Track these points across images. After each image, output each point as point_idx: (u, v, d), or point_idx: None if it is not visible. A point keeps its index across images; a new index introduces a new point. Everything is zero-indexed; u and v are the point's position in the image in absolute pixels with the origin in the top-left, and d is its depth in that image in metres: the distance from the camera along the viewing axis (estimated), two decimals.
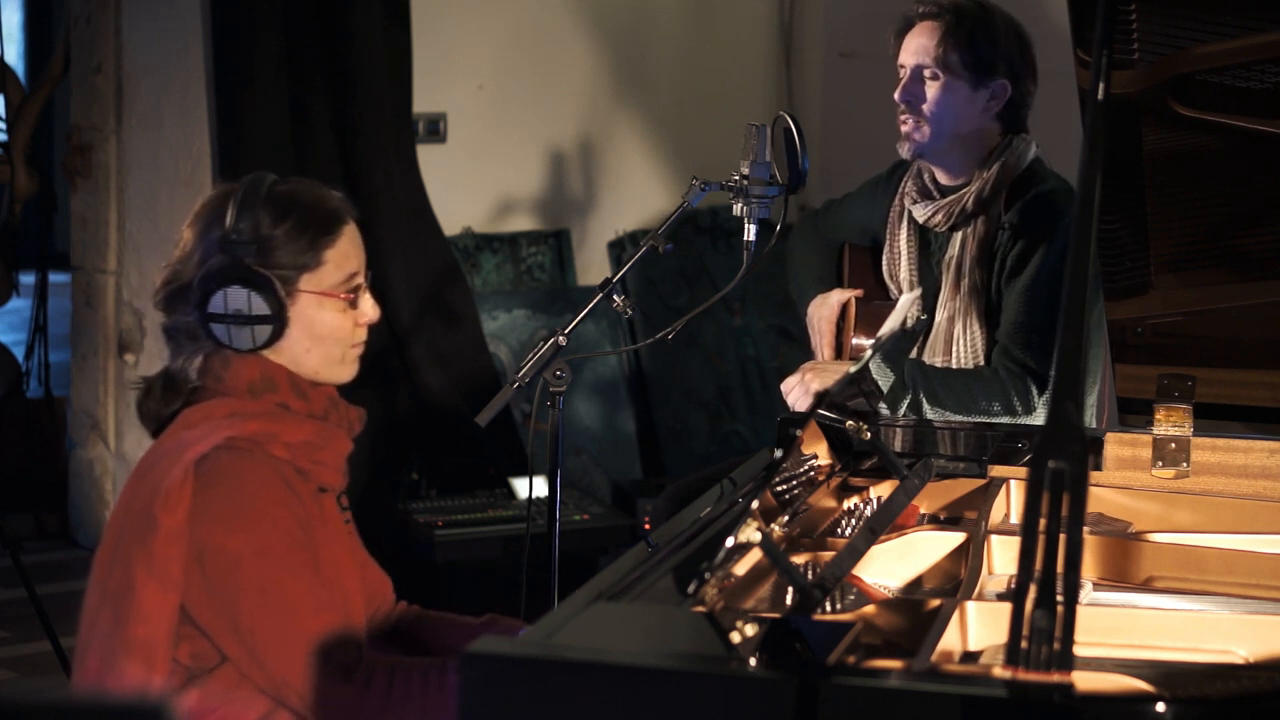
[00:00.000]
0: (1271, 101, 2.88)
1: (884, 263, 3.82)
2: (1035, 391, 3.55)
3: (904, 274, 3.76)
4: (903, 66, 3.67)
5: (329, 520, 2.64)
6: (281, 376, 2.62)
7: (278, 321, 2.60)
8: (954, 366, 3.65)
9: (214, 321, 2.59)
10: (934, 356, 3.67)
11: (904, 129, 3.66)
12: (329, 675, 2.51)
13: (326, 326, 2.65)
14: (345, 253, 2.65)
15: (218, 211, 2.62)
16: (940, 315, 3.67)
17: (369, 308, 2.69)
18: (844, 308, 3.81)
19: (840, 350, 3.80)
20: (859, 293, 3.81)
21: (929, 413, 3.53)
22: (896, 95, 3.66)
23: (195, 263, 2.63)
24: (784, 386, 3.68)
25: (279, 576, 2.51)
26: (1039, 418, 3.55)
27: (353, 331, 2.68)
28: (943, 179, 3.71)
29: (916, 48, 3.63)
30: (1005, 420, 3.56)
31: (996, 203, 3.63)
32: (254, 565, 2.50)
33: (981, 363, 3.63)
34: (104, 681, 2.51)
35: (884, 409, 3.54)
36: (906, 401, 3.52)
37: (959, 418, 3.52)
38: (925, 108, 3.62)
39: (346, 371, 2.69)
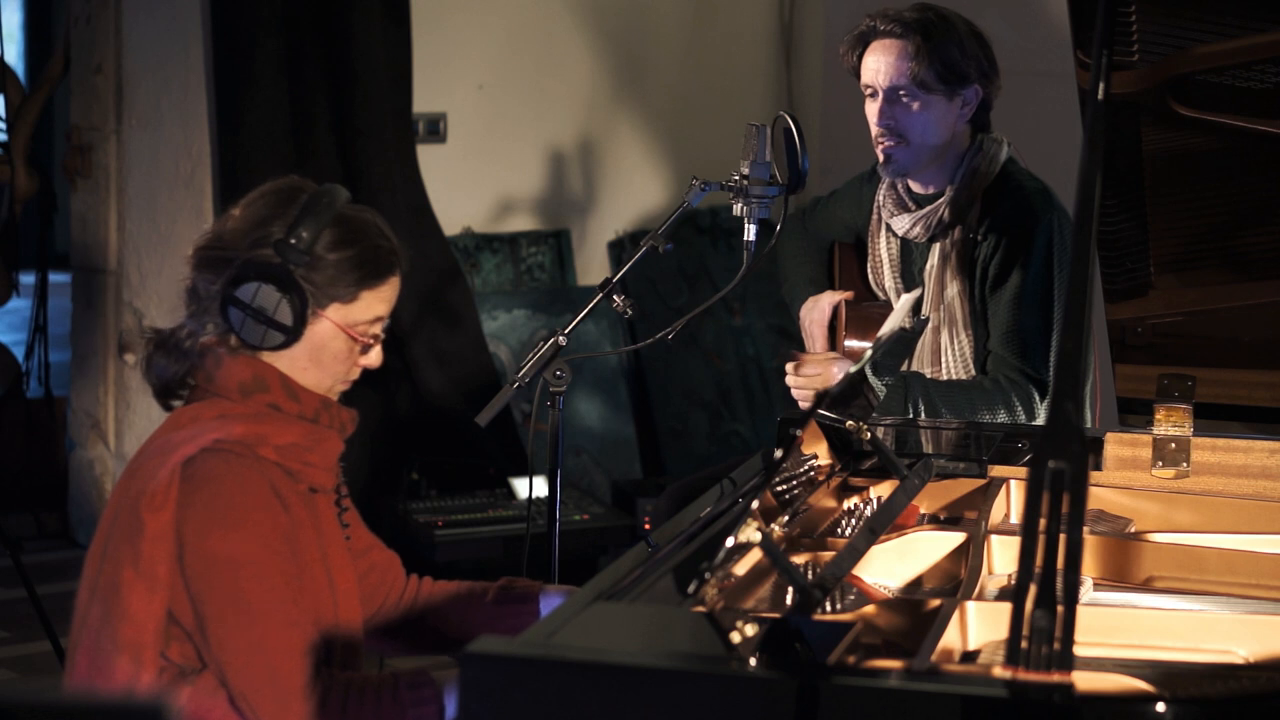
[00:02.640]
0: (1271, 101, 2.88)
1: (869, 270, 3.81)
2: (1037, 397, 3.54)
3: (888, 282, 3.76)
4: (869, 87, 3.64)
5: (321, 521, 2.64)
6: (273, 377, 2.61)
7: (292, 336, 2.59)
8: (946, 377, 3.64)
9: (234, 305, 2.58)
10: (922, 368, 3.66)
11: (884, 148, 3.62)
12: (287, 692, 2.50)
13: (330, 355, 2.64)
14: (382, 298, 2.65)
15: (285, 206, 2.61)
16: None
17: (375, 356, 2.69)
18: (835, 310, 3.81)
19: (834, 350, 3.80)
20: (849, 295, 3.81)
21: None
22: (874, 119, 3.63)
23: (245, 244, 2.61)
24: (796, 372, 3.64)
25: (251, 585, 2.50)
26: (1042, 419, 3.55)
27: (349, 369, 2.68)
28: (917, 189, 3.71)
29: (887, 69, 3.59)
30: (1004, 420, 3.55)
31: (972, 209, 3.62)
32: (228, 571, 2.49)
33: (972, 371, 3.62)
34: (93, 679, 2.51)
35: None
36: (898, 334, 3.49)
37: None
38: (907, 129, 3.59)
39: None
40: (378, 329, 2.68)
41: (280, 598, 2.51)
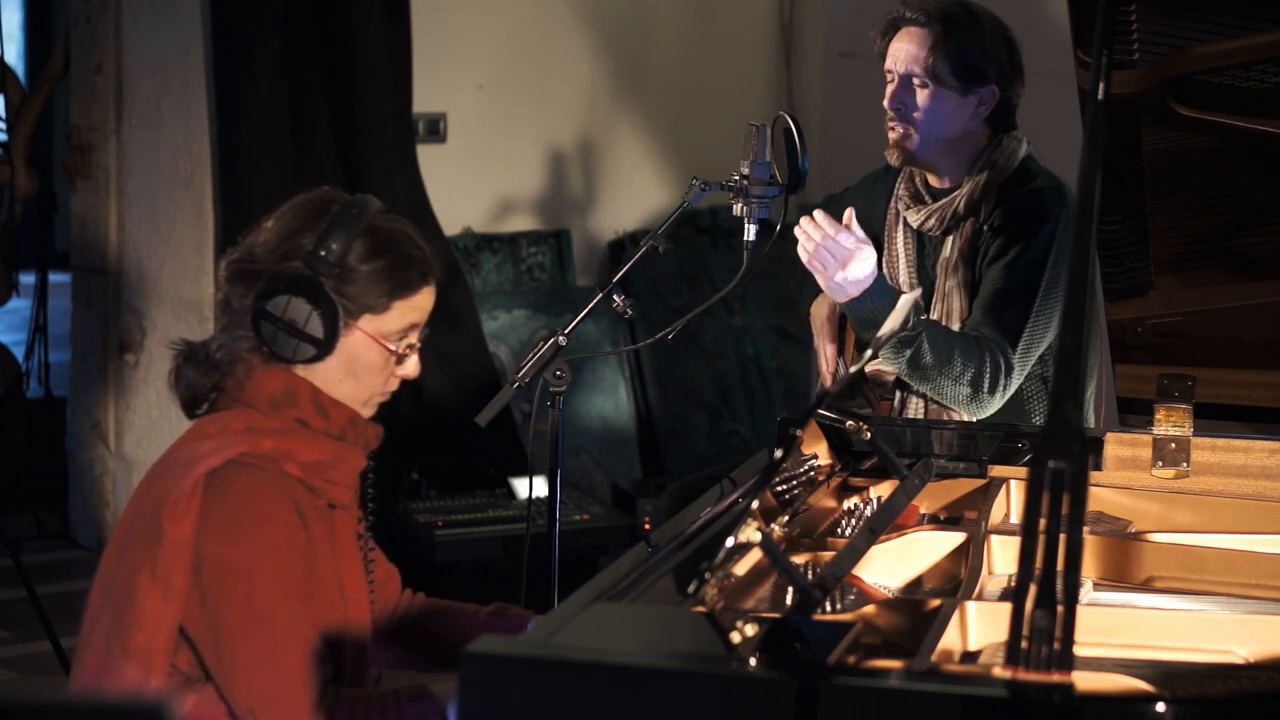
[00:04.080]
0: (1271, 101, 2.88)
1: (883, 265, 3.81)
2: (1004, 368, 3.50)
3: (903, 277, 3.76)
4: (889, 72, 3.66)
5: (338, 536, 2.62)
6: (304, 391, 2.59)
7: (324, 348, 2.57)
8: None
9: (265, 319, 2.56)
10: None
11: (893, 135, 3.64)
12: (295, 707, 2.50)
13: (365, 367, 2.61)
14: (415, 307, 2.63)
15: (315, 218, 2.59)
16: (932, 315, 3.66)
17: (412, 366, 2.66)
18: None
19: (842, 349, 3.80)
20: None
21: (904, 364, 3.44)
22: (885, 102, 3.65)
23: (275, 256, 2.58)
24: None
25: (265, 600, 2.49)
26: (995, 403, 3.51)
27: (386, 381, 2.65)
28: (933, 182, 3.71)
29: (905, 55, 3.61)
30: (976, 410, 3.52)
31: (986, 203, 3.63)
32: (244, 584, 2.48)
33: None
34: (100, 682, 2.51)
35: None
36: (895, 339, 3.43)
37: (924, 384, 3.47)
38: (914, 116, 3.61)
39: (364, 413, 2.66)
40: (413, 338, 2.64)
41: (293, 614, 2.50)
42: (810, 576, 2.51)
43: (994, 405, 3.51)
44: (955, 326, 3.61)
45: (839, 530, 2.84)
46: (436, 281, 2.67)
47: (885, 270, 3.81)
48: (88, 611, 2.57)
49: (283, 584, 2.50)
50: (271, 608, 2.49)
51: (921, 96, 3.60)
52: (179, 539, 2.48)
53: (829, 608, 2.45)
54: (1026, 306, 3.53)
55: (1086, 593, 2.62)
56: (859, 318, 3.47)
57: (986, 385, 3.48)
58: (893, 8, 3.70)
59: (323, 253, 2.56)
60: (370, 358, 2.62)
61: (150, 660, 2.49)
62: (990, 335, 3.52)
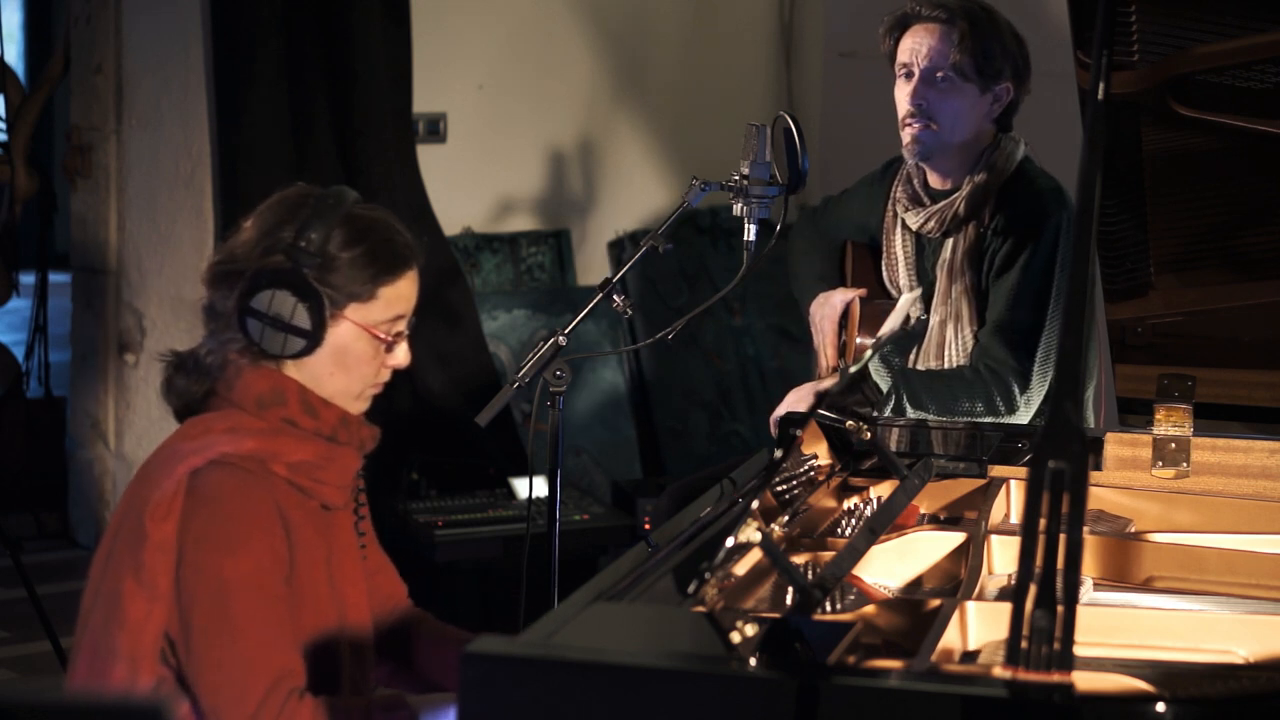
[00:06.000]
0: (1271, 101, 2.88)
1: (883, 267, 3.81)
2: (1017, 390, 3.53)
3: (903, 279, 3.76)
4: (905, 67, 3.63)
5: (335, 538, 2.61)
6: (292, 391, 2.58)
7: (313, 340, 2.56)
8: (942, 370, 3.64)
9: (251, 316, 2.55)
10: (927, 361, 3.66)
11: (912, 131, 3.62)
12: (255, 716, 2.47)
13: (355, 358, 2.61)
14: (400, 294, 2.63)
15: (294, 212, 2.59)
16: (933, 319, 3.66)
17: (401, 354, 2.66)
18: (847, 307, 3.81)
19: (843, 350, 3.80)
20: (862, 292, 3.80)
21: (912, 416, 3.52)
22: (907, 99, 3.61)
23: (256, 253, 2.57)
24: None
25: (238, 606, 2.47)
26: (1022, 416, 3.55)
27: (377, 371, 2.64)
28: (934, 183, 3.70)
29: (929, 51, 3.59)
30: (996, 420, 3.55)
31: (986, 205, 3.63)
32: (217, 588, 2.47)
33: None
34: (92, 682, 2.50)
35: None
36: (890, 406, 3.51)
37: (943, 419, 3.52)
38: (938, 113, 3.59)
39: (357, 406, 2.65)
40: (401, 326, 2.64)
41: (264, 621, 2.48)
42: (810, 576, 2.51)
43: (1026, 415, 3.54)
44: (965, 332, 3.62)
45: (839, 530, 2.84)
46: (421, 267, 2.66)
47: (884, 273, 3.81)
48: (80, 611, 2.57)
49: (257, 591, 2.48)
50: (243, 615, 2.47)
51: (946, 93, 3.59)
52: (161, 540, 2.47)
53: (829, 608, 2.45)
54: (1040, 313, 3.54)
55: (1086, 592, 2.62)
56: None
57: (1002, 409, 3.52)
58: (899, 5, 3.68)
59: (303, 243, 2.55)
60: (359, 348, 2.61)
61: (137, 662, 2.48)
62: (999, 356, 3.54)
